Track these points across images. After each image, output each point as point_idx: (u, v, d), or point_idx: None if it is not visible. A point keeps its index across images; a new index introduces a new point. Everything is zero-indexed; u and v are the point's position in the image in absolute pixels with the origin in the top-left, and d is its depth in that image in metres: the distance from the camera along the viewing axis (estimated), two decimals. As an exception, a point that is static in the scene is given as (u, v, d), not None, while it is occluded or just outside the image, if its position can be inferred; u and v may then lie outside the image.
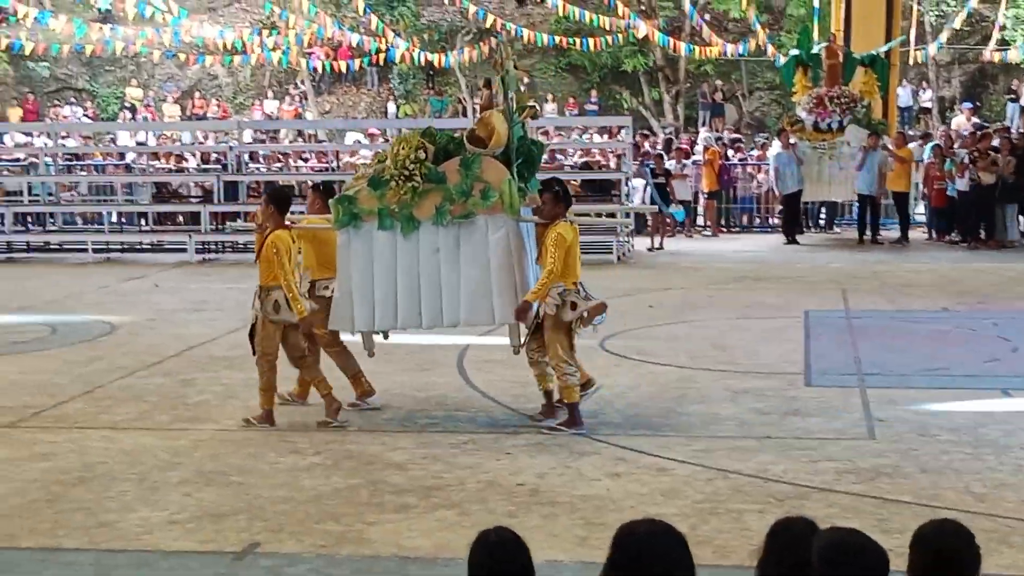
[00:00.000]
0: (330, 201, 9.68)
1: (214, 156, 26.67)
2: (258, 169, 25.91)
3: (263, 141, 28.77)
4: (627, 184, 21.63)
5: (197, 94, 37.46)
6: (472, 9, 33.88)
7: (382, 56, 34.78)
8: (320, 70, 36.29)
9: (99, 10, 37.40)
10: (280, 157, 26.99)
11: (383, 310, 9.38)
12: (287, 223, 9.60)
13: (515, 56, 10.18)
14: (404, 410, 9.84)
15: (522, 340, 9.36)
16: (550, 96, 35.04)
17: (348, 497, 7.53)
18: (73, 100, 36.54)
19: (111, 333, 13.70)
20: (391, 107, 36.02)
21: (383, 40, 34.39)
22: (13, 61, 37.56)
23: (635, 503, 7.35)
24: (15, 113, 35.38)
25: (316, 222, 9.98)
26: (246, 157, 24.92)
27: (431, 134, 9.64)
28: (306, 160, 27.22)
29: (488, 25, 34.02)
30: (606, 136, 27.54)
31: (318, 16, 33.99)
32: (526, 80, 9.29)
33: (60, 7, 37.08)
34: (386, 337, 10.06)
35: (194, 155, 27.37)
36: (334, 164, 25.71)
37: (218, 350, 12.51)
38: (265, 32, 36.19)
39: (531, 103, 10.19)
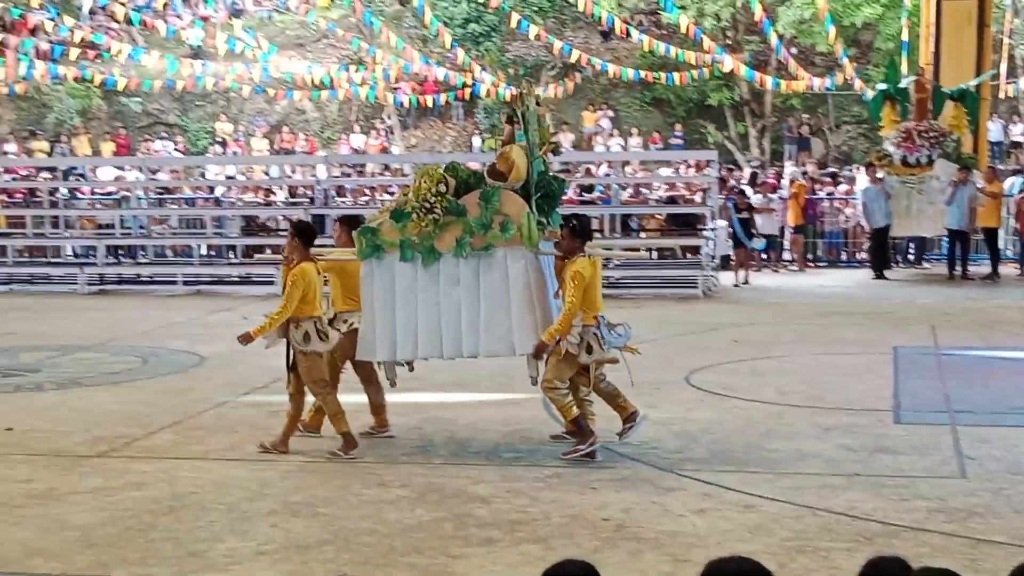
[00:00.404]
0: (353, 233, 9.80)
1: (301, 190, 26.98)
2: (344, 203, 26.15)
3: (349, 175, 29.04)
4: (712, 219, 21.56)
5: (285, 128, 37.93)
6: (557, 44, 34.02)
7: (468, 91, 35.03)
8: (406, 104, 36.61)
9: (190, 46, 38.07)
10: (367, 191, 27.22)
11: (404, 340, 9.56)
12: (312, 256, 9.73)
13: (538, 95, 10.37)
14: (489, 443, 9.85)
15: (537, 373, 9.47)
16: (635, 130, 35.05)
17: (433, 530, 7.55)
18: (164, 135, 37.15)
19: (200, 364, 13.87)
20: (476, 141, 36.23)
21: (469, 75, 34.64)
22: (107, 96, 38.30)
23: (721, 539, 7.30)
24: (108, 147, 36.04)
25: (342, 254, 10.08)
26: (333, 191, 25.17)
27: (454, 168, 9.83)
28: (392, 194, 27.40)
29: (573, 60, 34.14)
30: (691, 170, 27.47)
31: (405, 51, 34.35)
32: (548, 117, 9.56)
33: (153, 43, 37.77)
34: (411, 369, 10.14)
35: (282, 188, 27.68)
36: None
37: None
38: (353, 67, 36.62)
39: (554, 139, 10.31)
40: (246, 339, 9.63)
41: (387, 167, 29.84)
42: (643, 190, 25.08)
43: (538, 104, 10.04)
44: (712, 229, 21.32)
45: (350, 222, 10.15)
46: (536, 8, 35.50)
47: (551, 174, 10.14)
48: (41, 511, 8.03)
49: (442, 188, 9.45)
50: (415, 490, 8.45)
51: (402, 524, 7.67)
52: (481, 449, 9.69)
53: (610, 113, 35.80)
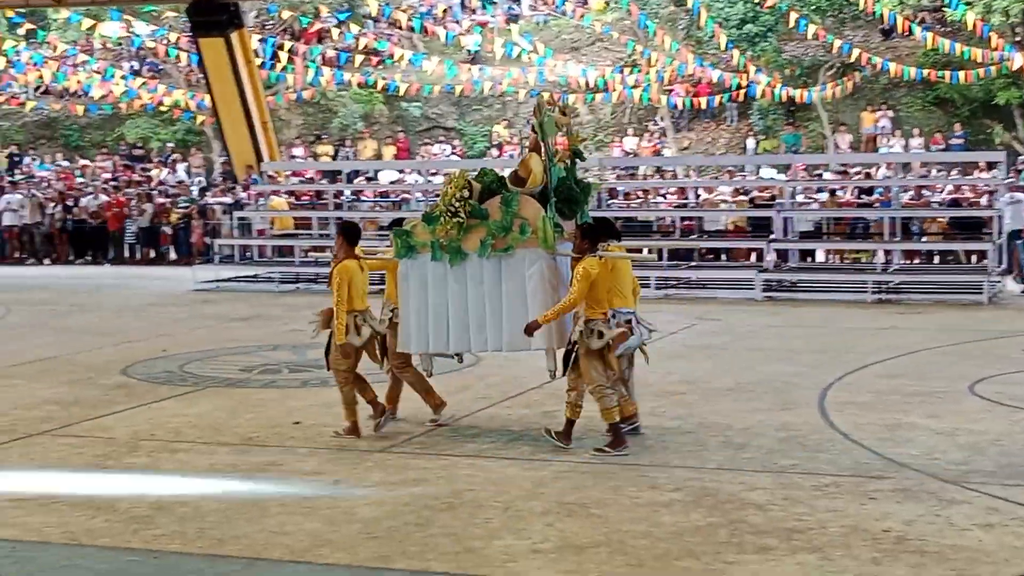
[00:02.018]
0: (391, 233, 10.66)
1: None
2: (617, 205, 26.22)
3: (622, 177, 29.12)
4: (1000, 221, 20.76)
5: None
6: (837, 43, 33.32)
7: (742, 92, 34.66)
8: (680, 106, 36.46)
9: (469, 51, 38.87)
10: (639, 193, 27.23)
11: (436, 334, 10.38)
12: (356, 254, 10.53)
13: (559, 105, 10.88)
14: (764, 450, 9.72)
15: (558, 366, 10.03)
16: (916, 131, 34.01)
17: (707, 535, 7.49)
18: (442, 138, 38.00)
19: (476, 364, 14.11)
20: (750, 143, 35.78)
21: (744, 76, 34.27)
22: (388, 101, 39.43)
23: (1010, 556, 7.01)
24: (389, 151, 37.10)
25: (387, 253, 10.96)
26: (605, 194, 25.26)
27: (483, 173, 10.65)
28: (665, 196, 27.35)
29: (852, 59, 33.37)
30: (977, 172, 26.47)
31: (679, 53, 34.24)
32: (571, 126, 10.11)
33: (433, 49, 38.73)
34: (460, 361, 11.10)
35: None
36: (693, 200, 25.73)
37: (578, 383, 12.68)
38: (627, 70, 36.69)
39: (580, 146, 10.84)
40: (344, 349, 10.39)
41: (660, 170, 29.78)
42: (925, 192, 24.32)
43: (564, 114, 10.72)
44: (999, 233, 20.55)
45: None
46: (814, 7, 34.76)
47: (576, 179, 10.67)
48: (328, 503, 8.32)
49: (465, 193, 10.18)
50: (689, 494, 8.41)
51: (676, 528, 7.64)
52: (756, 455, 9.56)
53: (890, 113, 34.81)
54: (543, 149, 10.34)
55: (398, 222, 11.05)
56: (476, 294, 10.20)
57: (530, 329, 9.82)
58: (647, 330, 10.40)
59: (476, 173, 10.70)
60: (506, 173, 10.66)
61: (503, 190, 10.34)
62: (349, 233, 10.59)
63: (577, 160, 10.83)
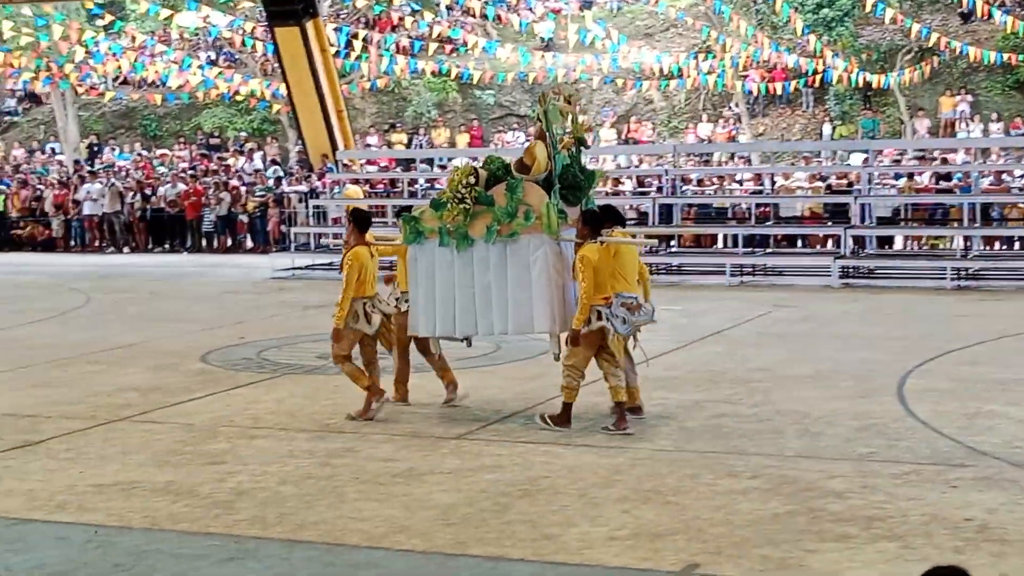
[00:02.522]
0: (400, 219, 10.92)
1: (649, 179, 27.07)
2: (692, 191, 26.10)
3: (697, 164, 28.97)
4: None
5: (632, 118, 38.16)
6: (915, 28, 32.91)
7: (818, 77, 34.35)
8: (755, 92, 36.20)
9: (542, 39, 38.82)
10: (714, 180, 27.07)
11: (443, 317, 10.61)
12: (367, 240, 10.77)
13: (564, 95, 10.97)
14: (842, 437, 9.63)
15: (562, 350, 10.25)
16: (995, 115, 33.52)
17: (786, 523, 7.44)
18: (516, 126, 37.99)
19: (549, 352, 14.09)
20: (826, 129, 35.45)
21: (820, 61, 33.95)
22: (462, 89, 39.51)
23: (1095, 547, 6.90)
24: (463, 139, 37.16)
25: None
26: (680, 181, 25.14)
27: (490, 161, 10.88)
28: (740, 183, 27.17)
29: (931, 43, 32.95)
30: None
31: (755, 38, 33.98)
32: (576, 115, 10.46)
33: (506, 37, 38.74)
34: (468, 345, 11.34)
35: (630, 179, 27.86)
36: (768, 187, 25.54)
37: (653, 371, 12.58)
38: (701, 56, 36.48)
39: (584, 135, 11.03)
40: (337, 335, 10.60)
41: (734, 156, 29.59)
42: (1005, 178, 23.96)
43: (568, 103, 10.86)
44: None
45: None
46: (891, -9, 34.45)
47: (580, 166, 10.85)
48: (404, 489, 8.35)
49: (471, 180, 10.47)
50: (767, 482, 8.35)
51: (754, 516, 7.59)
52: (834, 443, 9.48)
53: (969, 98, 34.34)
54: (547, 137, 10.63)
55: (407, 209, 11.35)
56: (482, 279, 10.47)
57: (575, 340, 9.98)
58: (646, 317, 10.29)
59: (489, 162, 10.92)
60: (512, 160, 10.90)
61: (508, 177, 10.61)
62: (360, 220, 10.88)
63: (582, 148, 11.01)
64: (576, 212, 10.50)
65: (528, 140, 36.73)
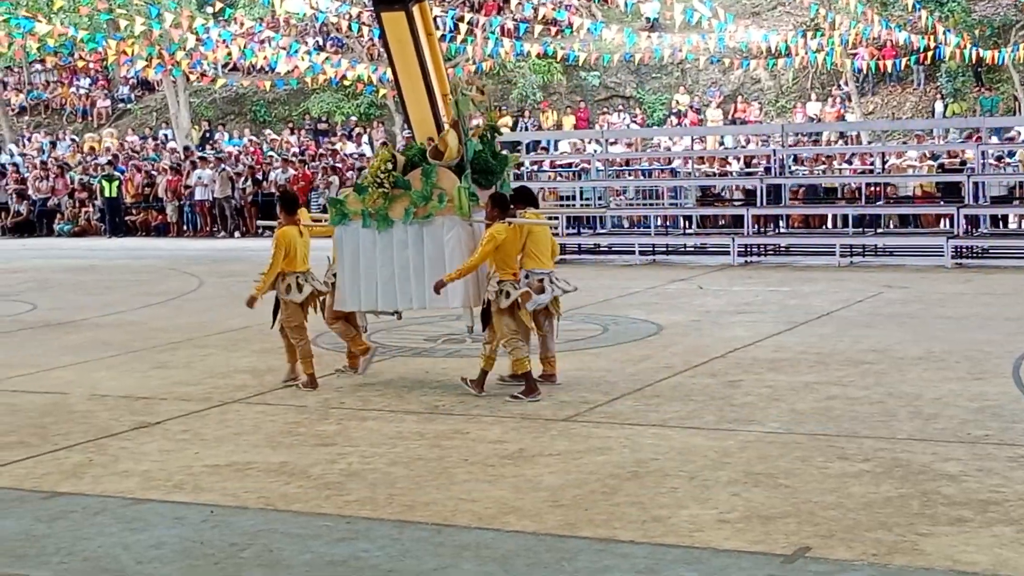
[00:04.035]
0: (326, 202, 12.01)
1: (757, 159, 26.85)
2: (801, 171, 25.83)
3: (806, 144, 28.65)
4: None
5: (739, 98, 37.82)
6: (1029, 1, 32.24)
7: (930, 54, 33.76)
8: (864, 70, 35.68)
9: (648, 19, 38.61)
10: (823, 159, 26.77)
11: (367, 293, 11.44)
12: (295, 220, 11.60)
13: (478, 85, 12.23)
14: (956, 420, 9.48)
15: (475, 322, 11.17)
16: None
17: (899, 506, 7.34)
18: (621, 107, 37.86)
19: (658, 333, 14.08)
20: (938, 106, 34.85)
21: (931, 37, 33.36)
22: (567, 71, 39.45)
23: None
24: (568, 121, 37.11)
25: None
26: (789, 160, 24.89)
27: (408, 148, 12.01)
28: (850, 163, 26.83)
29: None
30: None
31: (864, 15, 33.48)
32: (489, 105, 12.16)
33: (611, 18, 38.61)
34: (399, 318, 12.27)
35: (738, 159, 27.64)
36: (878, 166, 25.19)
37: (762, 353, 12.57)
38: (809, 34, 36.03)
39: (499, 121, 11.82)
40: (251, 302, 11.38)
41: (843, 135, 29.24)
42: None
43: (482, 93, 12.04)
44: None
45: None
46: (1006, -36, 33.77)
47: (493, 152, 11.59)
48: (514, 471, 8.39)
49: (389, 166, 11.32)
50: (879, 465, 8.25)
51: (866, 499, 7.50)
52: (947, 425, 9.33)
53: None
54: (459, 126, 11.38)
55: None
56: (401, 257, 11.28)
57: (437, 287, 10.78)
58: (561, 289, 11.22)
59: (403, 147, 11.87)
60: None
61: (424, 163, 11.41)
62: (286, 202, 11.85)
63: (495, 135, 11.80)
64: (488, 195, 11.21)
65: (633, 122, 36.66)
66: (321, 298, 11.75)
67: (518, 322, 10.72)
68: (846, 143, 29.82)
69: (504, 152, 12.42)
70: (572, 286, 11.46)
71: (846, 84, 36.60)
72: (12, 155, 40.06)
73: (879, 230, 22.95)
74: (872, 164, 25.83)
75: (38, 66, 49.96)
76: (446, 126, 11.79)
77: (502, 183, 11.62)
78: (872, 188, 24.05)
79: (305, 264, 11.57)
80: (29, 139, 44.21)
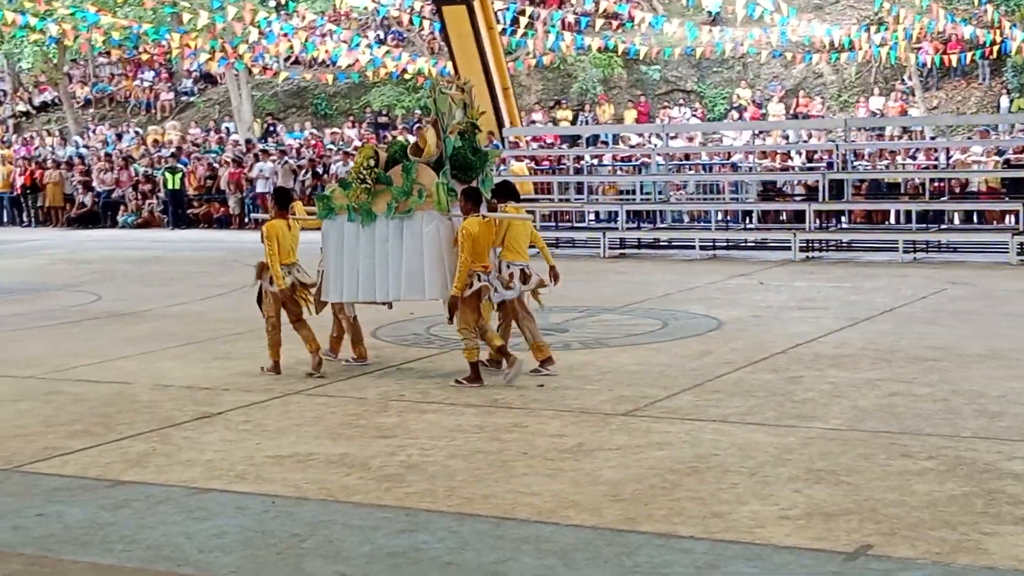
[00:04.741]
0: (314, 197, 12.65)
1: (819, 154, 26.66)
2: (863, 166, 25.61)
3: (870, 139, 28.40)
4: None
5: (801, 92, 37.56)
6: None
7: (995, 49, 33.37)
8: (929, 65, 35.33)
9: (709, 13, 38.41)
10: (887, 154, 26.52)
11: (350, 285, 11.84)
12: (285, 214, 12.05)
13: (457, 83, 12.64)
14: (1021, 418, 9.36)
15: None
16: None
17: (963, 505, 7.27)
18: (682, 101, 37.71)
19: (718, 328, 14.02)
20: (1004, 101, 34.42)
21: (997, 32, 32.97)
22: (627, 65, 39.34)
23: None
24: (630, 115, 37.01)
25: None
26: (852, 155, 24.69)
27: (391, 144, 12.51)
28: (914, 158, 26.57)
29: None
30: None
31: (929, 9, 33.15)
32: (468, 102, 12.29)
33: (673, 12, 38.45)
34: (389, 307, 12.60)
35: (800, 153, 27.46)
36: (943, 161, 24.93)
37: (824, 348, 12.49)
38: (873, 28, 35.71)
39: (475, 120, 12.21)
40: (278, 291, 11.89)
41: (907, 130, 28.96)
42: None
43: (462, 91, 12.27)
44: None
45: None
46: (1075, -43, 33.28)
47: (473, 148, 11.97)
48: (573, 465, 8.38)
49: (371, 163, 11.74)
50: (943, 463, 8.17)
51: (930, 497, 7.43)
52: (1012, 424, 9.23)
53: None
54: (438, 123, 11.88)
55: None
56: (382, 250, 11.67)
57: (452, 309, 11.12)
58: (532, 285, 11.64)
59: (391, 145, 12.35)
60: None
61: (404, 160, 11.83)
62: (279, 197, 12.36)
63: (475, 131, 12.20)
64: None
65: (693, 116, 36.51)
66: (313, 289, 12.20)
67: (478, 312, 11.20)
68: (910, 138, 29.52)
69: (485, 148, 12.87)
70: (545, 279, 11.80)
71: (910, 79, 36.23)
72: (78, 147, 40.49)
73: (943, 226, 22.72)
74: (936, 159, 25.57)
75: (103, 59, 50.47)
76: (427, 125, 12.41)
77: (484, 179, 12.05)
78: (936, 184, 23.81)
79: (292, 256, 12.02)
80: (94, 131, 44.65)
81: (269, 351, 12.04)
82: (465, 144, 11.95)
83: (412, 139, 12.25)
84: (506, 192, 11.96)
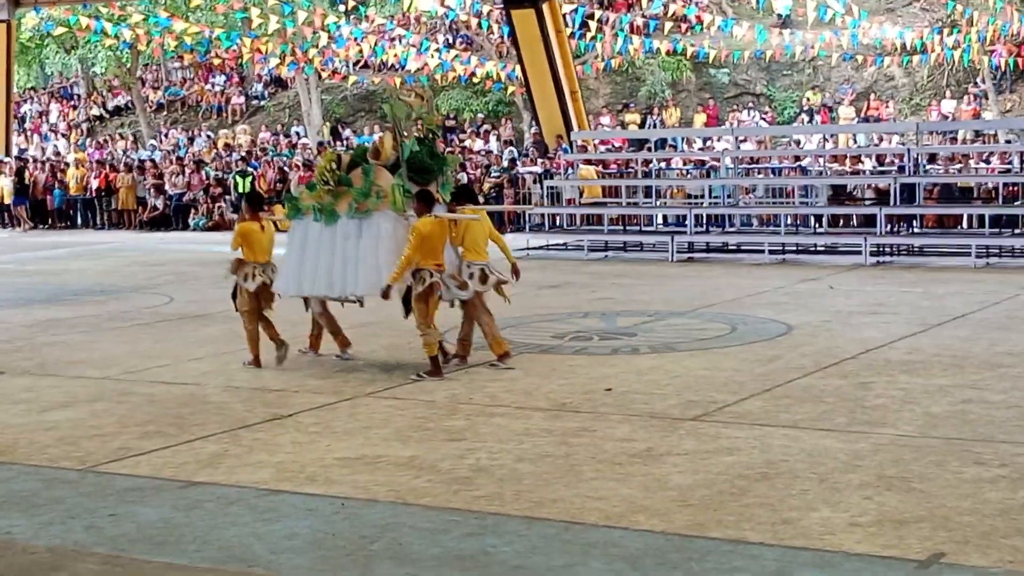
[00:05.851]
0: (284, 197, 13.38)
1: (890, 158, 26.43)
2: (936, 170, 25.36)
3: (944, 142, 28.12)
4: None
5: (872, 95, 37.24)
6: None
7: (1072, 51, 32.95)
8: (1002, 67, 34.91)
9: (779, 15, 38.19)
10: (959, 158, 26.24)
11: (314, 281, 12.42)
12: (258, 216, 12.88)
13: (417, 91, 13.55)
14: (1096, 427, 9.25)
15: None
16: None
17: (1037, 514, 7.19)
18: (751, 105, 37.51)
19: (787, 333, 13.94)
20: (1079, 104, 33.97)
21: (1073, 34, 32.57)
22: (696, 68, 39.20)
23: None
24: (699, 119, 36.88)
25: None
26: (924, 159, 24.45)
27: (358, 149, 13.22)
28: (987, 162, 26.27)
29: None
30: None
31: (1003, 11, 32.78)
32: (428, 108, 13.68)
33: (742, 14, 38.28)
34: (361, 305, 13.00)
35: (870, 157, 27.23)
36: (1016, 165, 24.62)
37: (895, 354, 12.38)
38: (946, 30, 35.35)
39: (435, 126, 13.11)
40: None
41: (979, 133, 28.64)
42: None
43: (420, 98, 13.38)
44: None
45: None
46: None
47: (431, 153, 12.66)
48: (642, 469, 8.37)
49: (333, 166, 12.44)
50: (1016, 471, 8.07)
51: (1003, 505, 7.35)
52: (1087, 432, 9.11)
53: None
54: (395, 129, 12.50)
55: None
56: (342, 248, 12.24)
57: (386, 294, 11.77)
58: (466, 293, 12.13)
59: (354, 149, 13.16)
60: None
61: (363, 163, 12.47)
62: (251, 200, 13.33)
63: (434, 136, 12.99)
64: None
65: (762, 120, 36.31)
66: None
67: (429, 308, 11.69)
68: (983, 142, 29.18)
69: (444, 153, 13.50)
70: (506, 276, 12.44)
71: (983, 82, 35.83)
72: (151, 151, 40.98)
73: (1016, 231, 22.44)
74: (1010, 163, 25.26)
75: (175, 64, 51.06)
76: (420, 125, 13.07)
77: (444, 183, 12.65)
78: (1010, 188, 23.52)
79: (265, 256, 12.74)
80: (166, 135, 45.18)
81: (248, 345, 12.72)
82: (423, 149, 12.62)
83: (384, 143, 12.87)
84: (464, 195, 12.71)
